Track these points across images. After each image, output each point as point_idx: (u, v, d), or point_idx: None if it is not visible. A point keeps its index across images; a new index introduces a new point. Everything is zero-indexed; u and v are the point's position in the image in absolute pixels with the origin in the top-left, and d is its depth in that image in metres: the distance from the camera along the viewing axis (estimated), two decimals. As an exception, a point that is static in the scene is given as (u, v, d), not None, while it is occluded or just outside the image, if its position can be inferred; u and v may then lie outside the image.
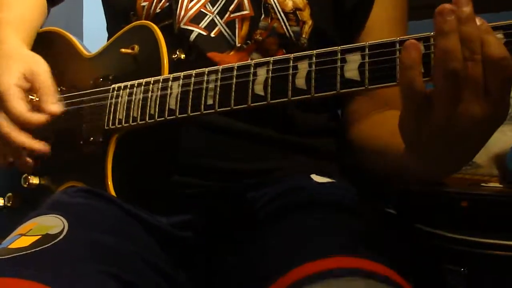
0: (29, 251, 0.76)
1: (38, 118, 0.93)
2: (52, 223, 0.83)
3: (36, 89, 0.94)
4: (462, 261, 0.99)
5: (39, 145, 0.94)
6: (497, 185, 1.07)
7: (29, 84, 0.94)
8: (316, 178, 0.93)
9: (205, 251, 0.92)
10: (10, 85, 0.93)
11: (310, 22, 0.93)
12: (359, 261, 0.70)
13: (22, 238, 0.80)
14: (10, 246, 0.78)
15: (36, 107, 0.94)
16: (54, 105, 0.93)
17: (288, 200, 0.88)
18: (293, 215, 0.84)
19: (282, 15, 0.92)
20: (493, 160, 1.13)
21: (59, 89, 0.99)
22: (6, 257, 0.75)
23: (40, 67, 0.96)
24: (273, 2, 0.92)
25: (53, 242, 0.78)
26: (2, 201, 1.06)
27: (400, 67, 0.62)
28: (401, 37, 0.66)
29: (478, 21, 0.60)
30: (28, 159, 0.97)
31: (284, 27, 0.92)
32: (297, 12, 0.92)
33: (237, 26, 0.93)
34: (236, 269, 0.85)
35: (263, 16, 0.92)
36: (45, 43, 1.07)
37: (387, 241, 0.82)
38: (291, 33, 0.92)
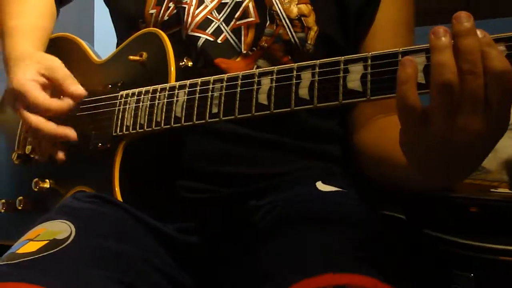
0: (36, 256, 0.77)
1: (60, 104, 0.95)
2: (60, 228, 0.84)
3: (54, 79, 0.96)
4: (470, 267, 0.99)
5: (68, 130, 0.96)
6: (507, 190, 1.07)
7: (45, 79, 0.96)
8: (321, 186, 0.93)
9: (211, 257, 0.93)
10: (26, 79, 0.95)
11: (315, 28, 0.92)
12: (356, 278, 0.70)
13: (30, 243, 0.81)
14: (18, 251, 0.80)
15: (58, 96, 0.96)
16: (76, 86, 0.95)
17: (290, 211, 0.88)
18: (294, 227, 0.84)
19: (287, 21, 0.92)
20: (503, 165, 1.12)
21: None
22: (14, 262, 0.77)
23: (55, 62, 0.98)
24: (278, 9, 0.92)
25: (60, 247, 0.79)
26: (13, 204, 1.07)
27: (397, 82, 0.62)
28: (404, 48, 0.66)
29: (480, 33, 0.59)
30: (61, 147, 0.99)
31: (289, 33, 0.92)
32: (302, 19, 0.92)
33: (243, 33, 0.93)
34: (240, 276, 0.86)
35: (268, 23, 0.92)
36: (56, 49, 1.08)
37: (386, 252, 0.82)
38: (296, 39, 0.92)
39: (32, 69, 0.96)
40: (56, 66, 0.97)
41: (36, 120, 0.95)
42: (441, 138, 0.62)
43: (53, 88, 0.97)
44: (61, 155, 0.99)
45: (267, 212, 0.91)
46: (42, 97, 0.94)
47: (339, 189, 0.93)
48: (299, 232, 0.82)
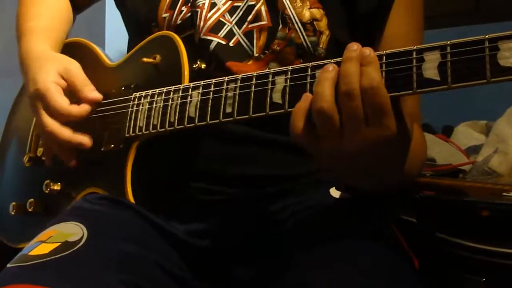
0: (48, 259, 0.78)
1: (79, 109, 0.97)
2: (72, 231, 0.84)
3: (72, 84, 0.98)
4: (481, 271, 0.98)
5: (83, 139, 0.97)
6: (519, 194, 1.06)
7: (65, 82, 0.98)
8: (334, 193, 0.93)
9: (223, 260, 0.92)
10: (49, 82, 0.97)
11: (327, 32, 0.93)
12: None
13: (42, 245, 0.81)
14: (30, 253, 0.80)
15: (76, 101, 0.97)
16: (93, 92, 0.98)
17: (302, 218, 0.89)
18: (307, 239, 0.84)
19: (300, 25, 0.92)
20: (515, 170, 1.12)
21: None
22: (25, 264, 0.77)
23: (73, 65, 1.00)
24: (290, 13, 0.93)
25: (71, 250, 0.79)
26: (24, 206, 1.08)
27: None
28: (418, 46, 0.67)
29: (366, 51, 0.67)
30: (71, 153, 1.00)
31: (301, 37, 0.92)
32: (314, 23, 0.93)
33: (255, 36, 0.94)
34: (253, 280, 0.86)
35: (280, 26, 0.93)
36: (70, 54, 1.09)
37: (394, 263, 0.82)
38: (308, 43, 0.93)
39: (54, 69, 0.98)
40: (75, 69, 0.99)
41: (53, 125, 0.96)
42: (329, 151, 0.70)
43: (70, 91, 0.99)
44: (73, 161, 1.00)
45: (281, 221, 0.91)
46: (64, 103, 0.96)
47: (351, 195, 0.93)
48: (310, 246, 0.82)
